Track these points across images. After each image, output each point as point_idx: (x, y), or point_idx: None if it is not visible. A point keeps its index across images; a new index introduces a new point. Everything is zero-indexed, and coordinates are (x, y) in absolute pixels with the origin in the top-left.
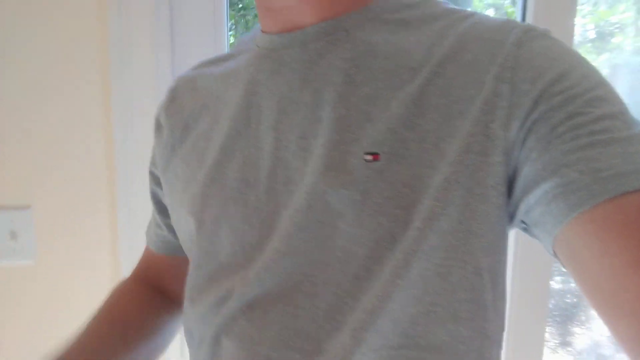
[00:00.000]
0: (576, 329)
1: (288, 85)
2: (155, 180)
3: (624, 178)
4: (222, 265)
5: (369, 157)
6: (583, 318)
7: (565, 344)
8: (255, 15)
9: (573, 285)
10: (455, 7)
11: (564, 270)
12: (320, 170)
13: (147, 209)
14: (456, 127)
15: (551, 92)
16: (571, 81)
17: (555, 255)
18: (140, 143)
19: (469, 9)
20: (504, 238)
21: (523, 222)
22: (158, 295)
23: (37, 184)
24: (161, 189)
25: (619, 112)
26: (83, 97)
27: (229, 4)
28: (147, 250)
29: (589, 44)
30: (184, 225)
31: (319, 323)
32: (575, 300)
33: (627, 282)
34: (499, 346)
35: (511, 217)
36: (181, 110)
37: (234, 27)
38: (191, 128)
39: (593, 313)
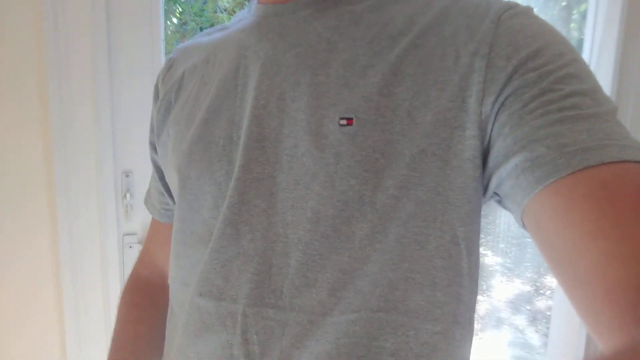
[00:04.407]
0: (478, 297)
1: (273, 48)
2: (154, 148)
3: (587, 153)
4: (205, 220)
5: (344, 122)
6: (484, 287)
7: None
8: None
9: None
10: None
11: None
12: (299, 134)
13: (86, 184)
14: (430, 98)
15: (525, 69)
16: (545, 58)
17: (524, 226)
18: (78, 133)
19: None
20: (479, 208)
21: (497, 194)
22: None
23: None
24: (157, 154)
25: (590, 90)
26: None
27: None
28: (152, 224)
29: None
30: (173, 182)
31: (290, 279)
32: None
33: (584, 251)
34: (473, 310)
35: (484, 189)
36: (175, 76)
37: None
38: (183, 89)
39: (493, 282)
